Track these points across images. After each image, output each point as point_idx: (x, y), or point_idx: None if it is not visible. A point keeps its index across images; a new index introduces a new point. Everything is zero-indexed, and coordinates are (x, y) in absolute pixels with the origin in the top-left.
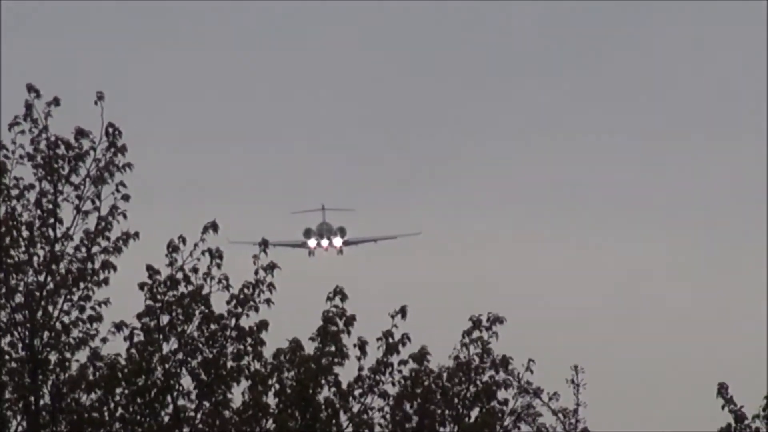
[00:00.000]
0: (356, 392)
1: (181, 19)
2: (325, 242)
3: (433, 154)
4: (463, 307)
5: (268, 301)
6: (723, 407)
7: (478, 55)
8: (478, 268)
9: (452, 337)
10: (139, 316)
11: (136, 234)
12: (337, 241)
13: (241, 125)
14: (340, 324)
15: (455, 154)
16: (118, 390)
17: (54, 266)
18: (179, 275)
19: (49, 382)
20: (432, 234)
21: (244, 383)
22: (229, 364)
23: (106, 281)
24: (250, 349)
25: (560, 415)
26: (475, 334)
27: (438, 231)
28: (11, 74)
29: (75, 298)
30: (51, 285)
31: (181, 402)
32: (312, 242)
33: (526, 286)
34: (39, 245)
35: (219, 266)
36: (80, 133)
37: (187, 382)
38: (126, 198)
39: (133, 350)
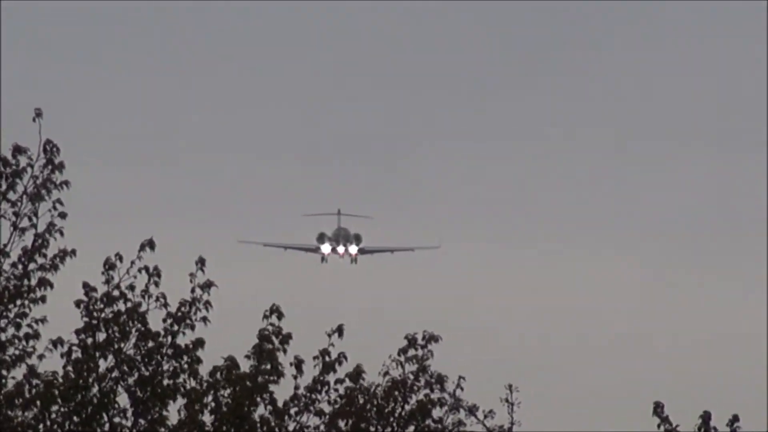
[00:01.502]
0: (292, 410)
1: (156, 20)
2: (341, 248)
3: (456, 167)
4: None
5: (204, 319)
6: (659, 426)
7: (495, 63)
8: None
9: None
10: (78, 332)
11: (73, 251)
12: (353, 249)
13: (255, 125)
14: (276, 342)
15: (478, 169)
16: (55, 407)
17: None
18: (116, 293)
19: None
20: (449, 249)
21: (181, 401)
22: (166, 381)
23: (43, 299)
24: (186, 366)
25: None
26: (411, 352)
27: (455, 246)
28: None
29: (11, 315)
30: None
31: (117, 419)
32: (326, 248)
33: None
34: None
35: (157, 284)
36: (17, 150)
37: (123, 399)
38: (63, 215)
39: (69, 367)
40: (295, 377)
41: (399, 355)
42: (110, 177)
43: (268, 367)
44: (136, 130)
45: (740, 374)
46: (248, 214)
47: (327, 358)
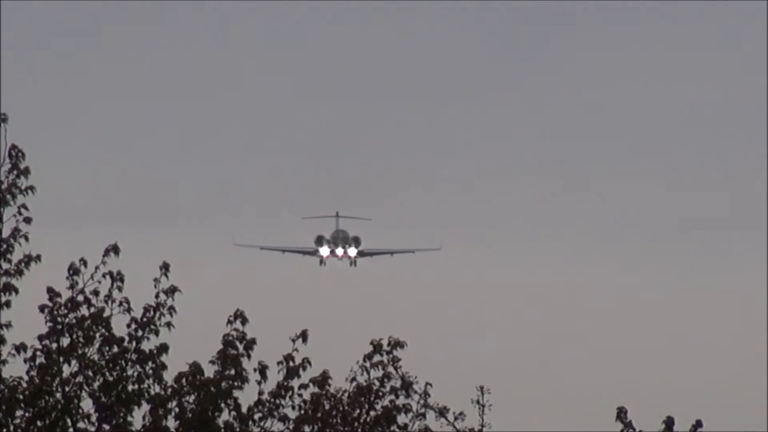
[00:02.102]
0: (256, 416)
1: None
2: (339, 250)
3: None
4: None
5: (168, 325)
6: (622, 431)
7: (496, 64)
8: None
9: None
10: (41, 338)
11: (38, 257)
12: (352, 251)
13: (256, 126)
14: (240, 348)
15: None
16: (19, 412)
17: None
18: (80, 298)
19: None
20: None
21: (145, 406)
22: (130, 387)
23: (7, 304)
24: (150, 372)
25: None
26: (376, 358)
27: (459, 247)
28: None
29: None
30: None
31: (81, 425)
32: (324, 250)
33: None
34: None
35: (120, 289)
36: None
37: (87, 404)
38: (28, 220)
39: (33, 372)
40: (259, 383)
41: (365, 360)
42: (85, 180)
43: (233, 372)
44: (119, 131)
45: (704, 379)
46: (245, 217)
47: (291, 363)
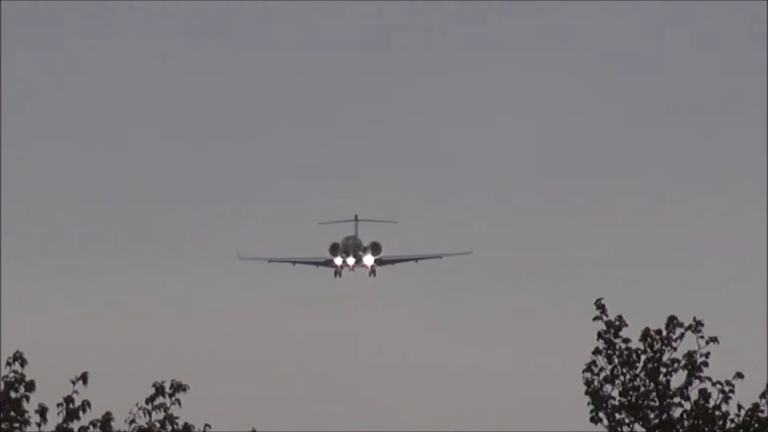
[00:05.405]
0: None
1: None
2: (351, 260)
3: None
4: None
5: None
6: None
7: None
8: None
9: None
10: None
11: None
12: (368, 260)
13: (254, 127)
14: (21, 390)
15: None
16: None
17: None
18: None
19: None
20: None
21: None
22: None
23: None
24: None
25: None
26: (158, 400)
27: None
28: None
29: None
30: None
31: None
32: (339, 260)
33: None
34: None
35: None
36: None
37: None
38: None
39: None
40: (39, 425)
41: (147, 403)
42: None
43: (13, 414)
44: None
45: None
46: (252, 225)
47: (71, 406)
